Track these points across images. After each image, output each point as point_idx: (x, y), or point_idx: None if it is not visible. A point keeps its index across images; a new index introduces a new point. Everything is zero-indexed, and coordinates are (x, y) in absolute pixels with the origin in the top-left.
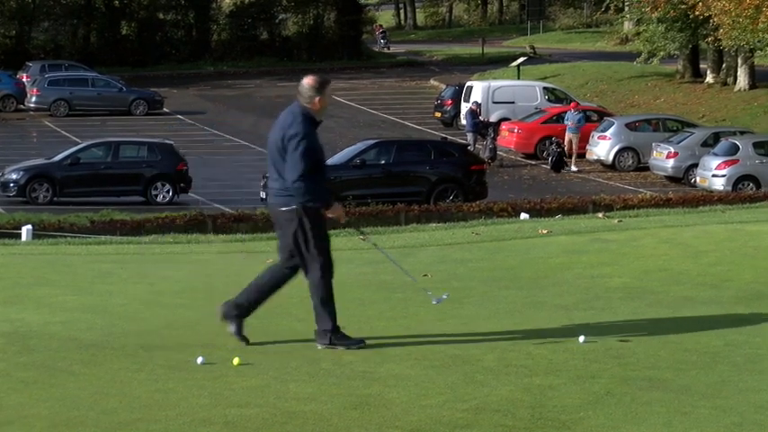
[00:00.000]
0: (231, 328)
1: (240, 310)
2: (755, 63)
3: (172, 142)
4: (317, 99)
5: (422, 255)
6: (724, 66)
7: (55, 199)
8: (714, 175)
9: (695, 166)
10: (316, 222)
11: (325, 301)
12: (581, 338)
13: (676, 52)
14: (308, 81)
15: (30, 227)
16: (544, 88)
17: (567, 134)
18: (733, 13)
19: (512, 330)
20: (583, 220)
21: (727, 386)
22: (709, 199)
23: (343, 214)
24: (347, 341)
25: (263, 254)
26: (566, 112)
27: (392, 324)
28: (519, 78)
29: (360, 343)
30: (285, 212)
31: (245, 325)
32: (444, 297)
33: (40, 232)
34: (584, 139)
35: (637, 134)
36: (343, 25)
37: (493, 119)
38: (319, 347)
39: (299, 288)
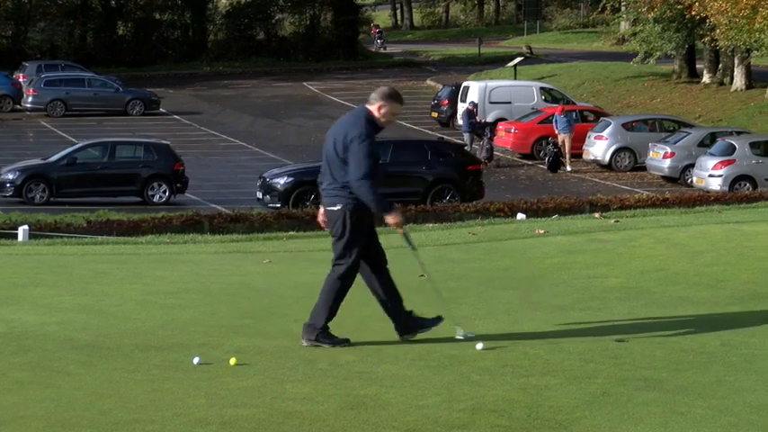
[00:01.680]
0: (421, 331)
1: (401, 317)
2: (752, 63)
3: (168, 142)
4: (378, 104)
5: (419, 255)
6: (720, 66)
7: (51, 199)
8: (711, 176)
9: (692, 166)
10: (357, 224)
11: (332, 301)
12: (479, 345)
13: (673, 52)
14: (381, 87)
15: (26, 227)
16: (541, 88)
17: (559, 135)
18: (729, 14)
19: (508, 330)
20: (579, 220)
21: (723, 386)
22: (705, 199)
23: (401, 226)
24: (332, 340)
25: (259, 254)
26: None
27: (389, 324)
28: (516, 78)
29: (345, 342)
30: (333, 212)
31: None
32: (471, 335)
33: (36, 232)
34: (580, 140)
35: (633, 134)
36: (340, 25)
37: (489, 119)
38: (304, 344)
39: (295, 289)
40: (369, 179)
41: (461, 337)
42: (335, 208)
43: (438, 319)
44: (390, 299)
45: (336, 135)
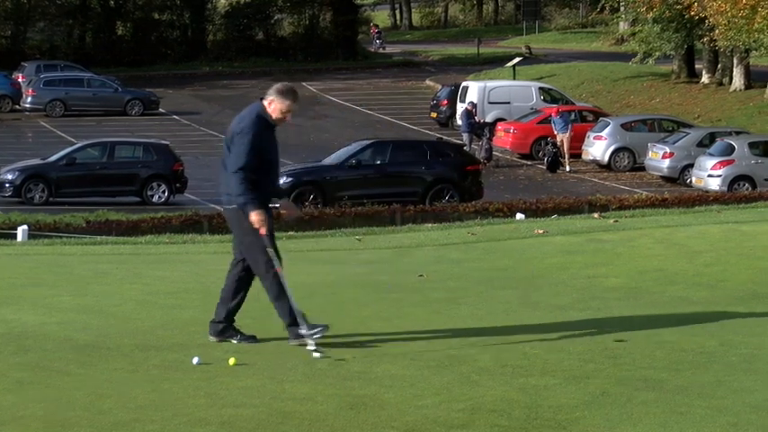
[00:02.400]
0: (234, 340)
1: (223, 321)
2: (751, 63)
3: (168, 142)
4: (270, 99)
5: (418, 255)
6: (719, 66)
7: (51, 199)
8: (710, 176)
9: (691, 166)
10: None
11: (278, 297)
12: (316, 354)
13: (672, 52)
14: (276, 84)
15: (25, 227)
16: (540, 88)
17: (557, 135)
18: (729, 14)
19: (507, 330)
20: (579, 220)
21: (722, 386)
22: (704, 199)
23: (263, 225)
24: (311, 331)
25: None
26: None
27: (387, 324)
28: (515, 79)
29: (324, 328)
30: (229, 210)
31: (239, 327)
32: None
33: (35, 232)
34: (579, 140)
35: (632, 134)
36: (339, 25)
37: (488, 119)
38: (291, 344)
39: (294, 289)
40: (243, 173)
41: (318, 355)
42: (232, 206)
43: (251, 338)
44: (232, 297)
45: (228, 131)
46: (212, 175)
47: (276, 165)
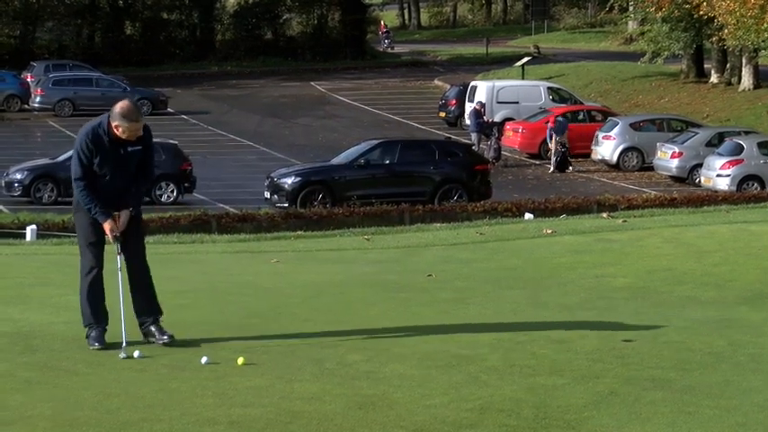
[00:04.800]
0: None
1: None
2: (760, 63)
3: (176, 142)
4: (115, 124)
5: (426, 255)
6: (728, 65)
7: (59, 199)
8: (718, 175)
9: (700, 165)
10: (80, 223)
11: (82, 300)
12: (203, 359)
13: (680, 52)
14: (118, 105)
15: (34, 227)
16: (548, 88)
17: (553, 137)
18: (737, 13)
19: (515, 330)
20: (587, 220)
21: (730, 386)
22: (713, 199)
23: (111, 230)
24: (94, 341)
25: (267, 254)
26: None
27: (396, 324)
28: (523, 78)
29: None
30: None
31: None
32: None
33: (44, 232)
34: (587, 139)
35: (641, 134)
36: (348, 25)
37: (497, 119)
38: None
39: (302, 288)
40: (77, 183)
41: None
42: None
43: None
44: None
45: None
46: (220, 174)
47: (115, 179)
